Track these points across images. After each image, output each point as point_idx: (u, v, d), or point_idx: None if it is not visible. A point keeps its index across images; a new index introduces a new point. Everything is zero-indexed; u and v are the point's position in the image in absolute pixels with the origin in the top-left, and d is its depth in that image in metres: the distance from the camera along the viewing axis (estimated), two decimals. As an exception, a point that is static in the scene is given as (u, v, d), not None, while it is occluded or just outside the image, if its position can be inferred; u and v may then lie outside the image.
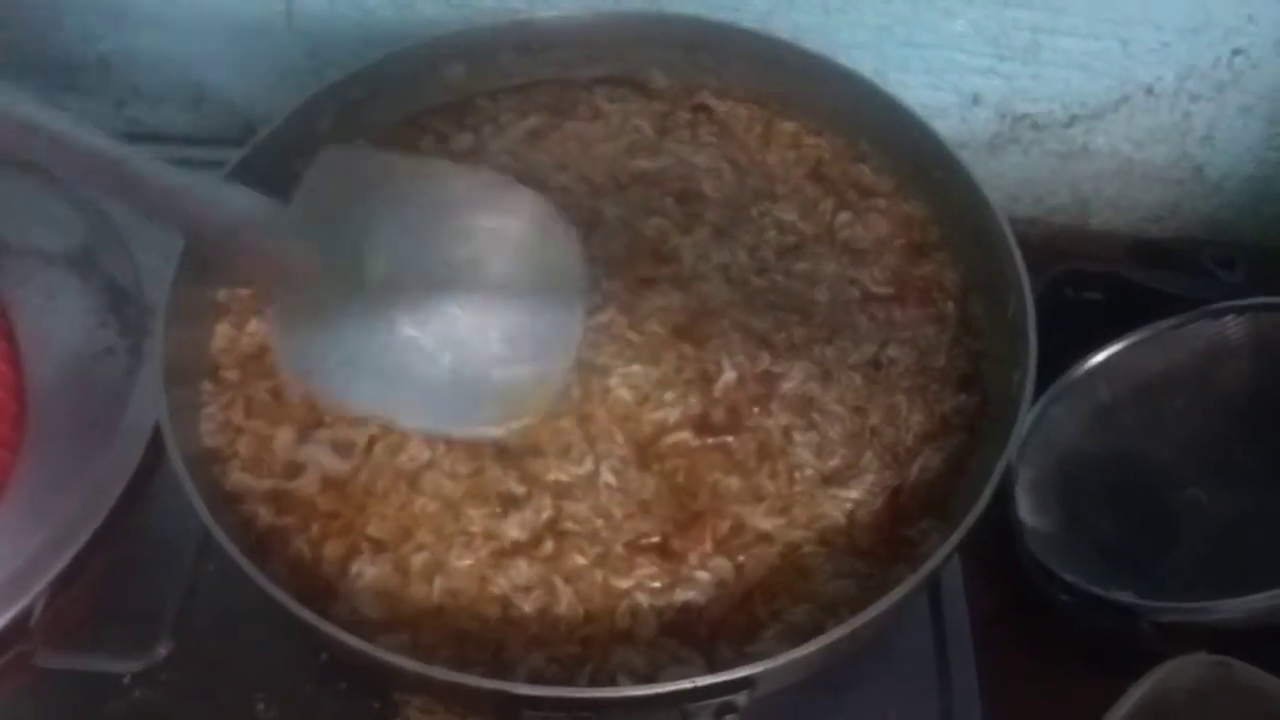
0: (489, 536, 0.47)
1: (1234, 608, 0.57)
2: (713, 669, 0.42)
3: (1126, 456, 0.69)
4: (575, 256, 0.50)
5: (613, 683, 0.43)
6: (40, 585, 0.52)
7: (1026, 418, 0.46)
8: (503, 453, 0.49)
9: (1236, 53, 0.73)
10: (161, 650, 0.51)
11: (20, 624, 0.51)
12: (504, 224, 0.50)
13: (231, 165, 0.54)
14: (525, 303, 0.48)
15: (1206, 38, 0.72)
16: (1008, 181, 0.83)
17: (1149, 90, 0.76)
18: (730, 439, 0.49)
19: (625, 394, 0.50)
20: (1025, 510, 0.63)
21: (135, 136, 0.82)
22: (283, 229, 0.45)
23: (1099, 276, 0.75)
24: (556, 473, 0.48)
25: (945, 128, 0.78)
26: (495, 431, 0.47)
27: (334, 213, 0.49)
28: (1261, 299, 0.67)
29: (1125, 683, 0.53)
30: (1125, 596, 0.59)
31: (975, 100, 0.78)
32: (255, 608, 0.49)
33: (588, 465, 0.48)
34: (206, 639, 0.52)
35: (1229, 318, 0.68)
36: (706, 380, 0.52)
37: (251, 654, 0.51)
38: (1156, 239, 0.86)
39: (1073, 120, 0.78)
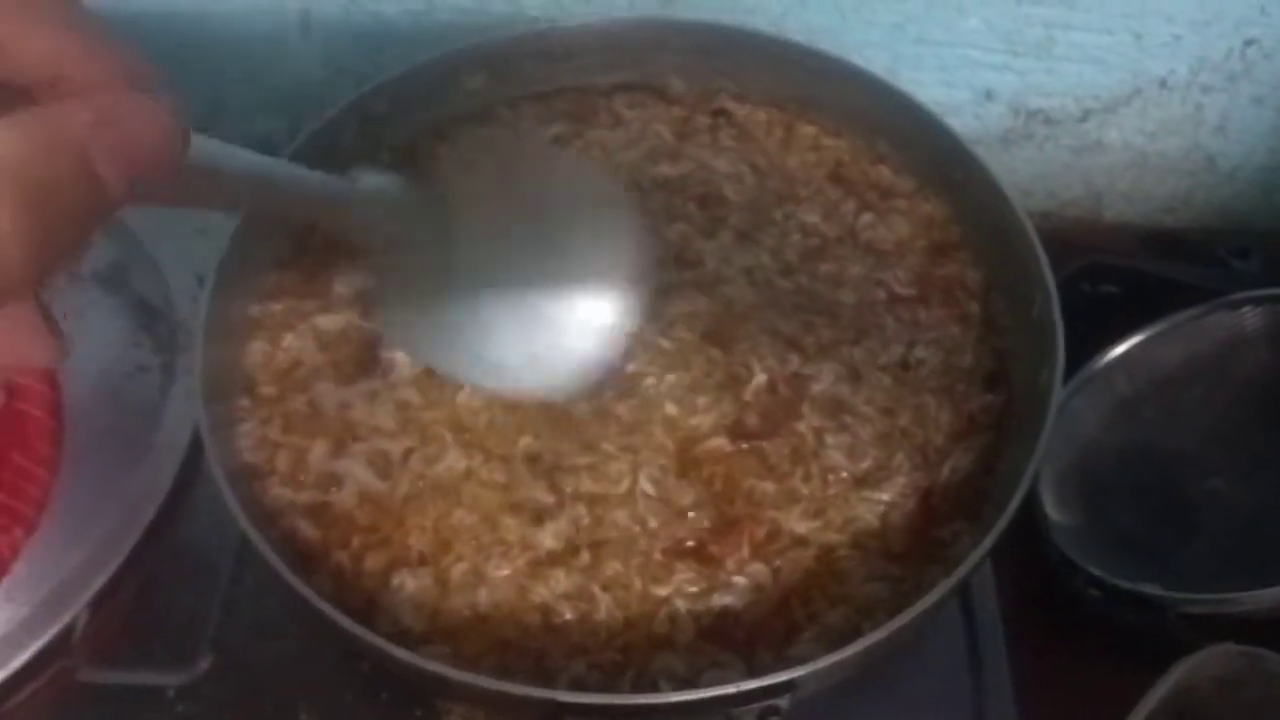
0: (525, 546, 0.47)
1: (1260, 598, 0.57)
2: (753, 673, 0.43)
3: (1147, 448, 0.69)
4: (648, 244, 0.52)
5: (654, 688, 0.43)
6: (81, 602, 0.52)
7: (1054, 417, 0.46)
8: (539, 462, 0.50)
9: (1249, 43, 0.73)
10: (202, 664, 0.52)
11: (63, 640, 0.52)
12: (587, 208, 0.52)
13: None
14: (598, 285, 0.50)
15: (1218, 29, 0.72)
16: (1021, 176, 0.83)
17: (1162, 83, 0.76)
18: (764, 443, 0.50)
19: (661, 401, 0.51)
20: (1050, 505, 0.63)
21: (155, 150, 0.83)
22: (401, 201, 0.48)
23: (1116, 270, 0.76)
24: (592, 483, 0.49)
25: (959, 124, 0.78)
26: (564, 391, 0.49)
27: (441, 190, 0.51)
28: (1278, 290, 0.68)
29: (1153, 673, 0.54)
30: (1151, 589, 0.60)
31: (989, 96, 0.78)
32: (294, 619, 0.50)
33: (626, 475, 0.48)
34: (246, 651, 0.53)
35: (1247, 309, 0.68)
36: (737, 384, 0.52)
37: (292, 665, 0.52)
38: (1170, 230, 0.86)
39: (1086, 114, 0.79)
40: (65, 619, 0.52)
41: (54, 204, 0.24)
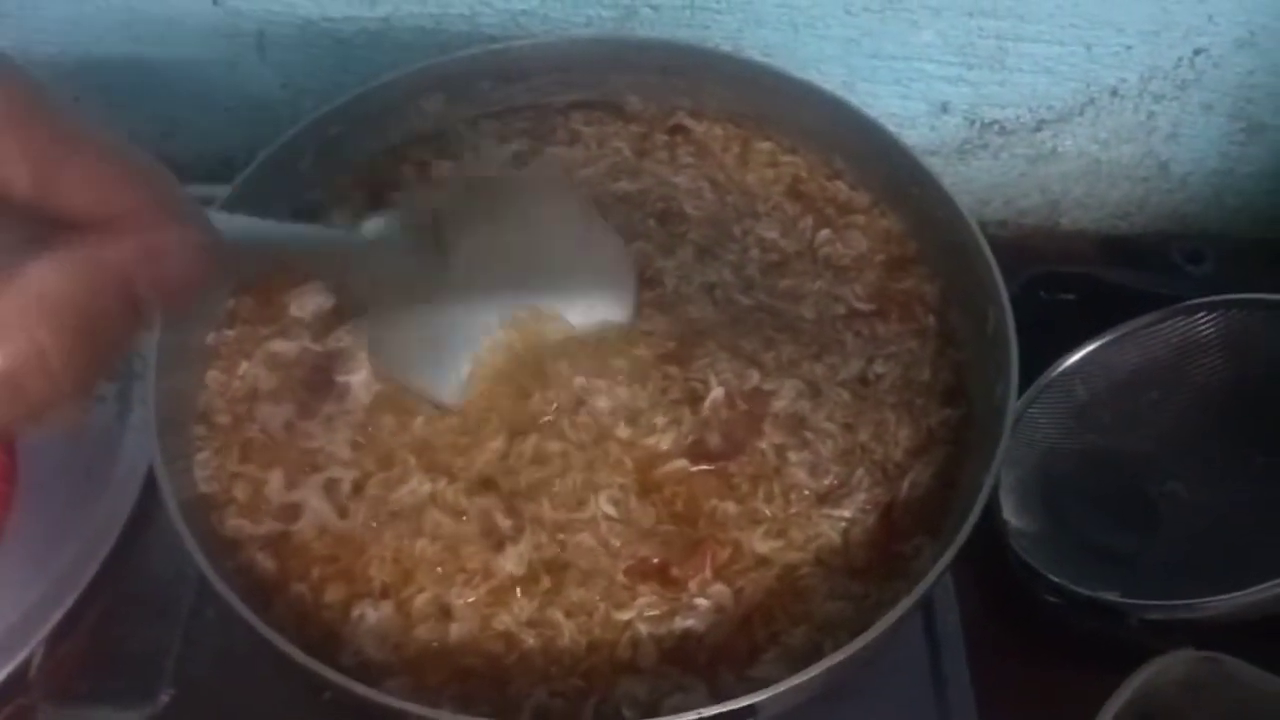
0: (487, 574, 0.47)
1: (1219, 604, 0.58)
2: (715, 696, 0.43)
3: (1105, 453, 0.70)
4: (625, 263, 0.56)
5: (617, 715, 0.43)
6: (38, 637, 0.52)
7: (1009, 431, 0.47)
8: (498, 487, 0.49)
9: (1198, 52, 0.74)
10: (163, 698, 0.52)
11: (19, 677, 0.51)
12: (566, 229, 0.56)
13: (215, 207, 0.54)
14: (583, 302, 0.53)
15: (1168, 38, 0.73)
16: (978, 186, 0.84)
17: (1114, 92, 0.77)
18: (727, 463, 0.50)
19: (617, 422, 0.51)
20: (1009, 511, 0.64)
21: (108, 173, 0.82)
22: (394, 241, 0.50)
23: (1072, 277, 0.77)
24: (551, 507, 0.48)
25: (915, 136, 0.79)
26: None
27: (427, 222, 0.54)
28: (1231, 296, 0.69)
29: (1115, 679, 0.54)
30: (1111, 596, 0.61)
31: (944, 108, 0.79)
32: (255, 651, 0.50)
33: (586, 498, 0.48)
34: (208, 684, 0.52)
35: (1200, 314, 0.69)
36: (695, 399, 0.52)
37: (255, 698, 0.51)
38: (1125, 235, 0.88)
39: (1040, 124, 0.80)
40: (21, 655, 0.51)
41: (99, 331, 0.27)
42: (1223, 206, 0.85)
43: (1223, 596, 0.58)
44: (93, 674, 0.52)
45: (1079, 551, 0.66)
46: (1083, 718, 0.53)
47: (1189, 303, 0.69)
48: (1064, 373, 0.70)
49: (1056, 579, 0.61)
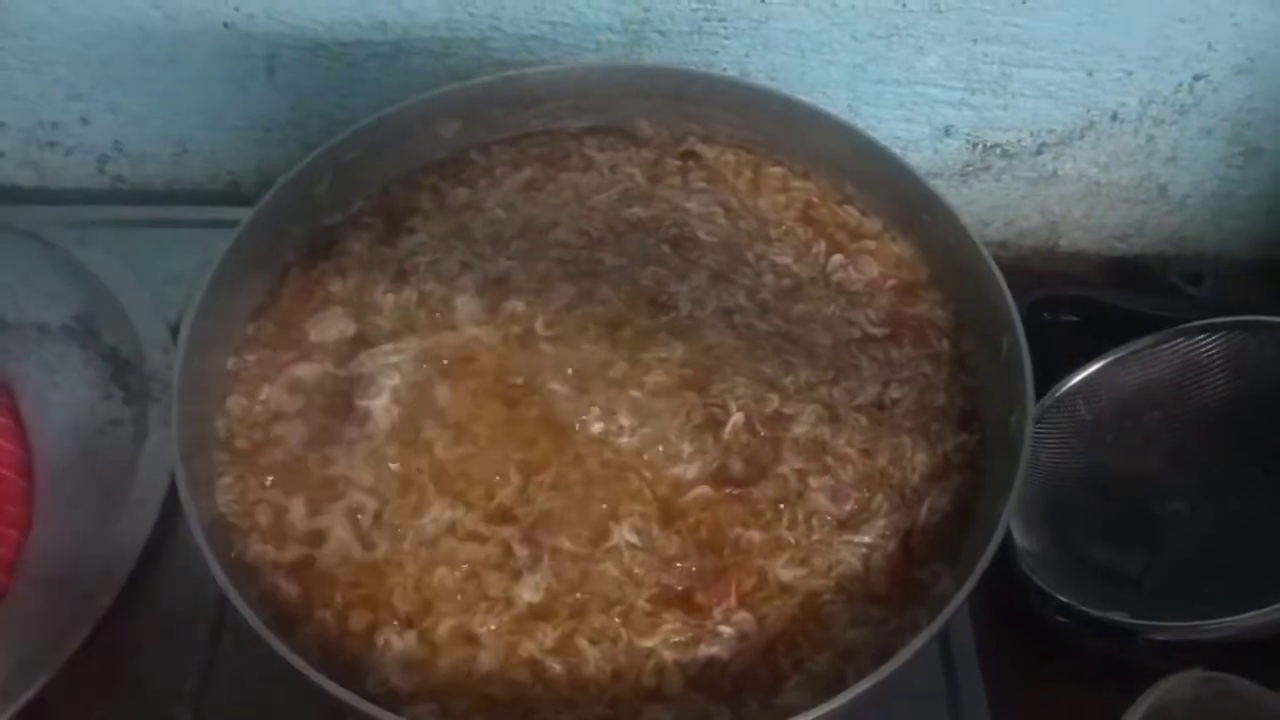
0: (510, 602, 0.47)
1: (1226, 626, 0.59)
2: (739, 723, 0.43)
3: (1108, 473, 0.71)
4: None
5: (643, 742, 0.44)
6: (56, 664, 0.51)
7: (1026, 460, 0.47)
8: (516, 517, 0.50)
9: (1197, 78, 0.75)
10: (183, 724, 0.51)
11: (36, 707, 0.51)
12: None
13: (234, 237, 0.54)
14: None
15: (1168, 65, 0.75)
16: (979, 208, 0.85)
17: (1114, 116, 0.78)
18: (750, 489, 0.50)
19: (637, 449, 0.51)
20: (1017, 532, 0.65)
21: (118, 194, 0.83)
22: None
23: (1074, 299, 0.78)
24: (571, 539, 0.49)
25: (919, 159, 0.80)
26: None
27: None
28: (1232, 318, 0.70)
29: (1124, 698, 0.55)
30: (1120, 616, 0.61)
31: (947, 132, 0.80)
32: (276, 679, 0.50)
33: (608, 528, 0.49)
34: (229, 712, 0.52)
35: (1202, 336, 0.71)
36: (716, 425, 0.53)
37: (276, 723, 0.52)
38: (1124, 256, 0.89)
39: (1041, 148, 0.81)
40: (38, 685, 0.51)
41: None
42: (1220, 228, 0.87)
43: (1231, 619, 0.59)
44: (111, 704, 0.52)
45: (1085, 571, 0.66)
46: (1093, 737, 0.53)
47: (1191, 324, 0.71)
48: (1067, 393, 0.71)
49: (1065, 599, 0.62)
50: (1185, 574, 0.66)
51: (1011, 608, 0.63)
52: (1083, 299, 0.78)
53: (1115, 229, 0.87)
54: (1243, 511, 0.69)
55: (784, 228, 0.61)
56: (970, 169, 0.82)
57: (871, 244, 0.61)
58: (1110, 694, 0.56)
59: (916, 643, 0.42)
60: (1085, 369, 0.71)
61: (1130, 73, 0.75)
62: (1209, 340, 0.71)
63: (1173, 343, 0.71)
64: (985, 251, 0.54)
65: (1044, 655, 0.62)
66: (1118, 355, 0.71)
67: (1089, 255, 0.89)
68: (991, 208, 0.85)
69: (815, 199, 0.63)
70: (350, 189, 0.61)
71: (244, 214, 0.56)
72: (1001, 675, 0.59)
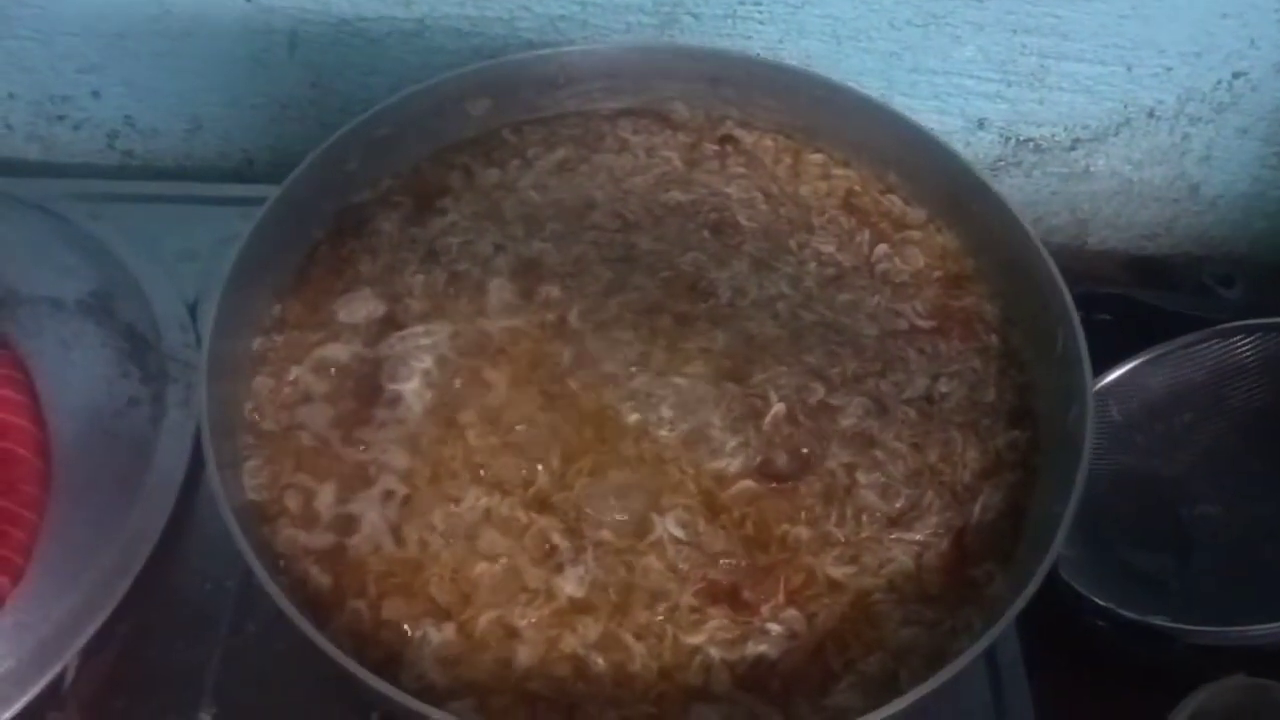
0: (550, 595, 0.46)
1: (1265, 633, 0.58)
2: (793, 726, 0.42)
3: (1137, 474, 0.70)
4: None
5: (691, 741, 0.42)
6: (71, 651, 0.50)
7: (1088, 457, 0.46)
8: (554, 506, 0.48)
9: (1237, 75, 0.74)
10: (204, 716, 0.50)
11: (52, 693, 0.49)
12: None
13: (262, 213, 0.52)
14: None
15: (1209, 61, 0.73)
16: (1009, 203, 0.84)
17: (1150, 113, 0.77)
18: (795, 484, 0.49)
19: (680, 441, 0.50)
20: (1054, 536, 0.63)
21: (128, 170, 0.80)
22: None
23: (1108, 298, 0.77)
24: (613, 529, 0.47)
25: (952, 150, 0.79)
26: None
27: None
28: (1270, 320, 0.69)
29: (1166, 703, 0.54)
30: (1159, 620, 0.60)
31: (980, 124, 0.78)
32: (301, 667, 0.48)
33: (649, 519, 0.47)
34: (250, 701, 0.50)
35: (1238, 337, 0.69)
36: (756, 416, 0.51)
37: (298, 715, 0.50)
38: (1151, 256, 0.88)
39: (1075, 143, 0.80)
40: (55, 670, 0.49)
41: None
42: (1250, 229, 0.86)
43: (1269, 625, 0.58)
44: (130, 690, 0.51)
45: (1120, 574, 0.65)
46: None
47: (1226, 325, 0.70)
48: (1098, 393, 0.70)
49: (1103, 603, 0.61)
50: (1218, 578, 0.65)
51: (1049, 611, 0.61)
52: (1117, 297, 0.76)
53: (1144, 228, 0.86)
54: (1274, 516, 0.68)
55: (826, 216, 0.60)
56: (1001, 163, 0.81)
57: (916, 234, 0.59)
58: (1151, 699, 0.55)
59: (978, 647, 0.40)
60: (1117, 369, 0.70)
61: (1169, 68, 0.74)
62: (1245, 342, 0.70)
63: (1208, 343, 0.70)
64: (1040, 244, 0.52)
65: (1083, 658, 0.61)
66: (1151, 356, 0.70)
67: (1117, 254, 0.88)
68: (1021, 204, 0.83)
69: (857, 187, 0.61)
70: (380, 167, 0.59)
71: (261, 191, 0.54)
72: (1041, 678, 0.58)
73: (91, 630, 0.50)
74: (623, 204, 0.59)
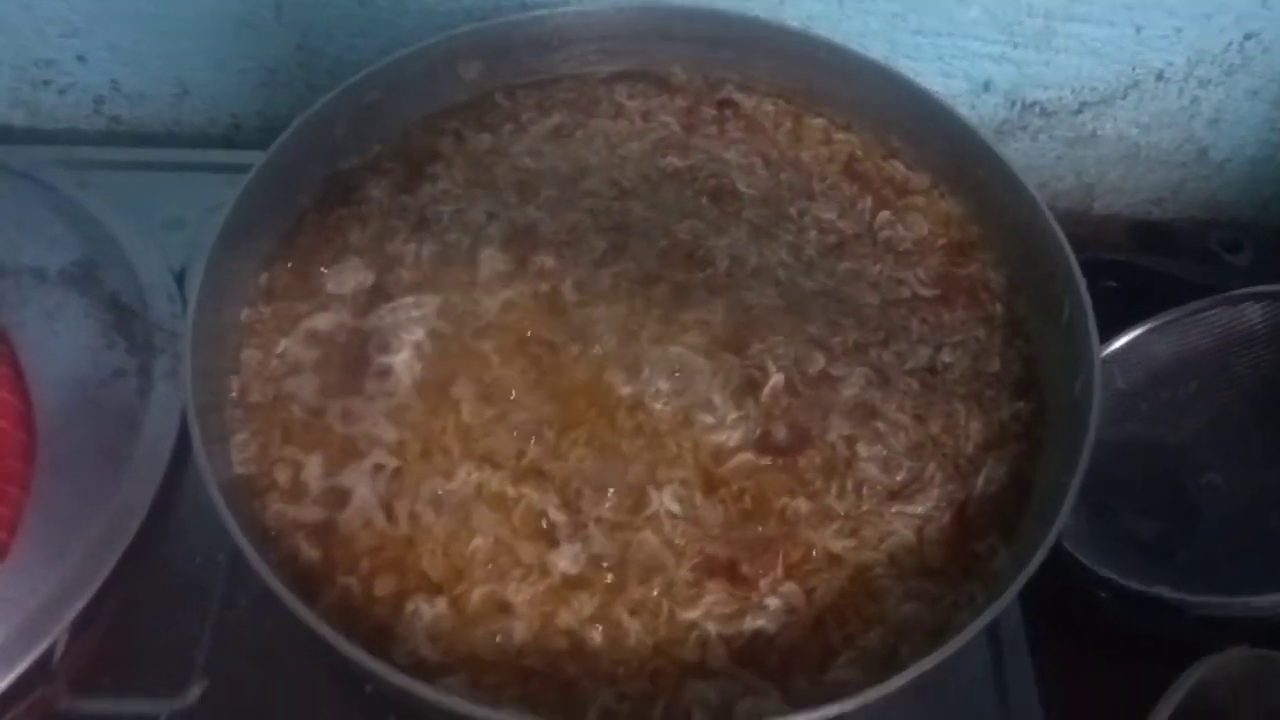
0: (545, 570, 0.45)
1: (1269, 604, 0.57)
2: (788, 700, 0.41)
3: (1142, 443, 0.69)
4: None
5: (687, 718, 0.41)
6: (61, 625, 0.49)
7: (1095, 428, 0.45)
8: (550, 473, 0.47)
9: (1248, 37, 0.72)
10: (195, 690, 0.49)
11: (42, 667, 0.49)
12: None
13: (248, 180, 0.51)
14: None
15: (1219, 22, 0.72)
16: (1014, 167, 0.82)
17: (1159, 75, 0.75)
18: (795, 457, 0.48)
19: (676, 413, 0.49)
20: (1057, 505, 0.62)
21: (114, 136, 0.79)
22: None
23: (1114, 264, 0.76)
24: (609, 503, 0.46)
25: (957, 114, 0.77)
26: None
27: None
28: (1279, 286, 0.68)
29: (1165, 672, 0.53)
30: (1163, 591, 0.59)
31: (986, 87, 0.77)
32: (293, 642, 0.47)
33: (648, 493, 0.46)
34: (243, 675, 0.50)
35: (1247, 304, 0.68)
36: (755, 387, 0.50)
37: (291, 689, 0.49)
38: (1157, 221, 0.86)
39: (1082, 106, 0.78)
40: (44, 644, 0.48)
41: None
42: (1257, 194, 0.84)
43: (1274, 595, 0.57)
44: (119, 664, 0.50)
45: (1124, 544, 0.64)
46: (1138, 711, 0.51)
47: (1234, 292, 0.68)
48: (1103, 361, 0.68)
49: (1106, 574, 0.60)
50: (1223, 548, 0.65)
51: (1051, 582, 0.61)
52: (1122, 264, 0.75)
53: (1151, 193, 0.85)
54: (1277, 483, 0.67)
55: (827, 181, 0.58)
56: (1007, 127, 0.79)
57: (920, 200, 0.58)
58: (1154, 670, 0.54)
59: (979, 622, 0.40)
60: (1122, 336, 0.69)
61: (1179, 30, 0.72)
62: (1254, 309, 0.68)
63: (1215, 310, 0.69)
64: (1047, 210, 0.51)
65: (1087, 630, 0.61)
66: (1157, 323, 0.69)
67: (1123, 219, 0.86)
68: (1026, 168, 0.80)
69: (859, 152, 0.60)
70: (369, 132, 0.58)
71: (249, 157, 0.53)
72: (1044, 649, 0.57)
73: (80, 605, 0.49)
74: (619, 170, 0.58)
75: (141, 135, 0.80)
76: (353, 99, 0.56)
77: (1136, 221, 0.87)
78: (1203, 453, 0.68)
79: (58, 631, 0.49)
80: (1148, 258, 0.77)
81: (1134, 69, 0.75)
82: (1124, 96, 0.77)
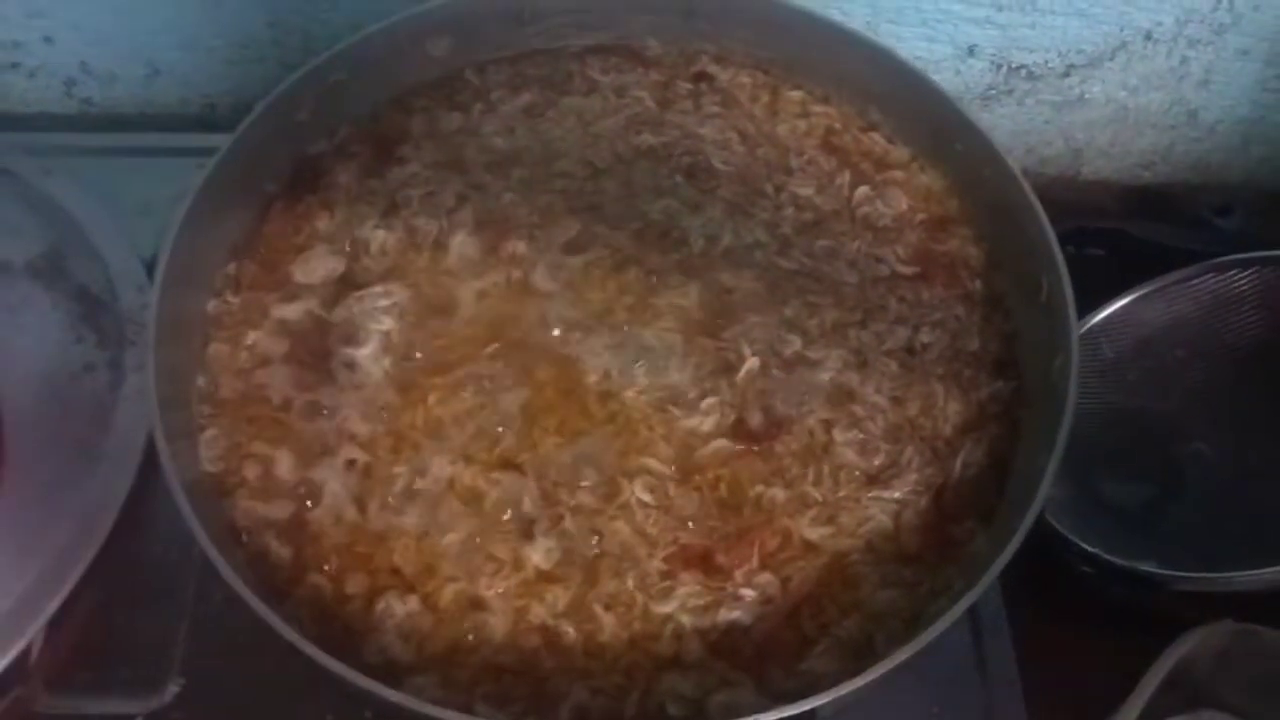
0: (518, 564, 0.44)
1: (1253, 578, 0.57)
2: (762, 691, 0.41)
3: (1129, 413, 0.69)
4: None
5: (661, 712, 0.41)
6: (35, 625, 0.49)
7: (1072, 409, 0.44)
8: (523, 470, 0.47)
9: (1240, -7, 0.71)
10: (171, 688, 0.49)
11: (17, 668, 0.48)
12: None
13: (211, 167, 0.50)
14: None
15: (1210, -22, 0.70)
16: (1000, 133, 0.80)
17: (1148, 36, 0.74)
18: (770, 443, 0.47)
19: (650, 400, 0.48)
20: (1040, 478, 0.62)
21: (88, 119, 0.77)
22: None
23: (1101, 232, 0.75)
24: (582, 494, 0.46)
25: (939, 81, 0.75)
26: None
27: None
28: (1267, 253, 0.67)
29: (1149, 646, 0.53)
30: (1147, 566, 0.59)
31: (971, 52, 0.75)
32: (269, 637, 0.47)
33: (619, 483, 0.46)
34: (219, 673, 0.49)
35: (1234, 271, 0.67)
36: (729, 371, 0.50)
37: (268, 686, 0.49)
38: (1147, 185, 0.85)
39: (1069, 69, 0.76)
40: (19, 645, 0.48)
41: None
42: (1248, 156, 0.83)
43: (1262, 570, 0.57)
44: (95, 664, 0.50)
45: (1106, 514, 0.64)
46: (1121, 686, 0.51)
47: (1222, 259, 0.67)
48: (1090, 331, 0.68)
49: (1090, 548, 0.60)
50: (1206, 518, 0.64)
51: (1035, 556, 0.60)
52: (1110, 232, 0.74)
53: (1140, 156, 0.83)
54: (1267, 454, 0.66)
55: (805, 156, 0.57)
56: (993, 92, 0.78)
57: (899, 174, 0.57)
58: (1137, 644, 0.54)
59: (956, 610, 0.39)
60: (1109, 305, 0.68)
61: (1169, -12, 0.70)
62: (1242, 276, 0.67)
63: (1203, 278, 0.68)
64: (1026, 184, 0.50)
65: (1069, 605, 0.60)
66: (1144, 291, 0.68)
67: (1111, 184, 0.85)
68: (1013, 134, 0.81)
69: (838, 125, 0.59)
70: (335, 114, 0.57)
71: (221, 141, 0.51)
72: (1026, 625, 0.57)
73: (55, 604, 0.49)
74: (591, 149, 0.57)
75: (115, 119, 0.78)
76: (318, 80, 0.55)
77: (1126, 186, 0.85)
78: (1190, 421, 0.68)
79: (32, 631, 0.48)
80: (1135, 224, 0.76)
81: (1122, 30, 0.73)
82: (1112, 58, 0.76)
